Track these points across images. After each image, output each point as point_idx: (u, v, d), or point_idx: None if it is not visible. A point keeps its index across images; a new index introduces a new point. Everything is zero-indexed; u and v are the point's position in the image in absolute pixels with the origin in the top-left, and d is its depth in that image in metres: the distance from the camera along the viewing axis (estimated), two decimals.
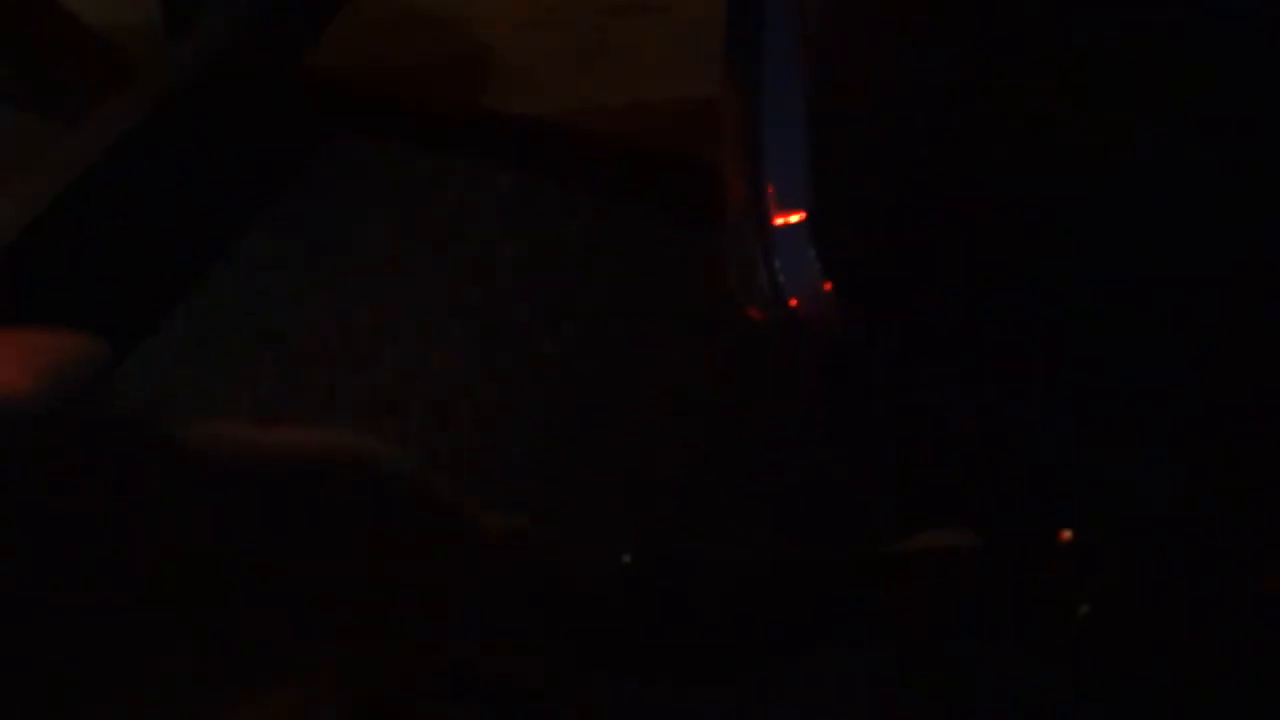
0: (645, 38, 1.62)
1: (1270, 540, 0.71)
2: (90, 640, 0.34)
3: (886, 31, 0.88)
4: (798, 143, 0.92)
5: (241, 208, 1.07)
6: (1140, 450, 0.75)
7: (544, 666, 0.49)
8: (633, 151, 1.23)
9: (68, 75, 1.22)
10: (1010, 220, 0.79)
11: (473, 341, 0.99)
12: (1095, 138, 0.73)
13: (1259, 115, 0.69)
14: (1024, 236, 0.78)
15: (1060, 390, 0.79)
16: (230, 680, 0.38)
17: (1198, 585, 0.68)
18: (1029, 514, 0.79)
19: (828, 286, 0.88)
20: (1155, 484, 0.77)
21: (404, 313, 1.02)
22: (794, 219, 0.91)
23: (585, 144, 1.25)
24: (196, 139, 1.07)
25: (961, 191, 0.80)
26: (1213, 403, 0.73)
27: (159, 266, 1.01)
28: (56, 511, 0.34)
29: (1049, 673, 0.66)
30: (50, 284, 0.97)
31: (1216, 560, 0.69)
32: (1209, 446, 0.74)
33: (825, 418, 0.92)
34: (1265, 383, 0.73)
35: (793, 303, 0.89)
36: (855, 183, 0.91)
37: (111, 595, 0.34)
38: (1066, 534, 0.72)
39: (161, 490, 0.36)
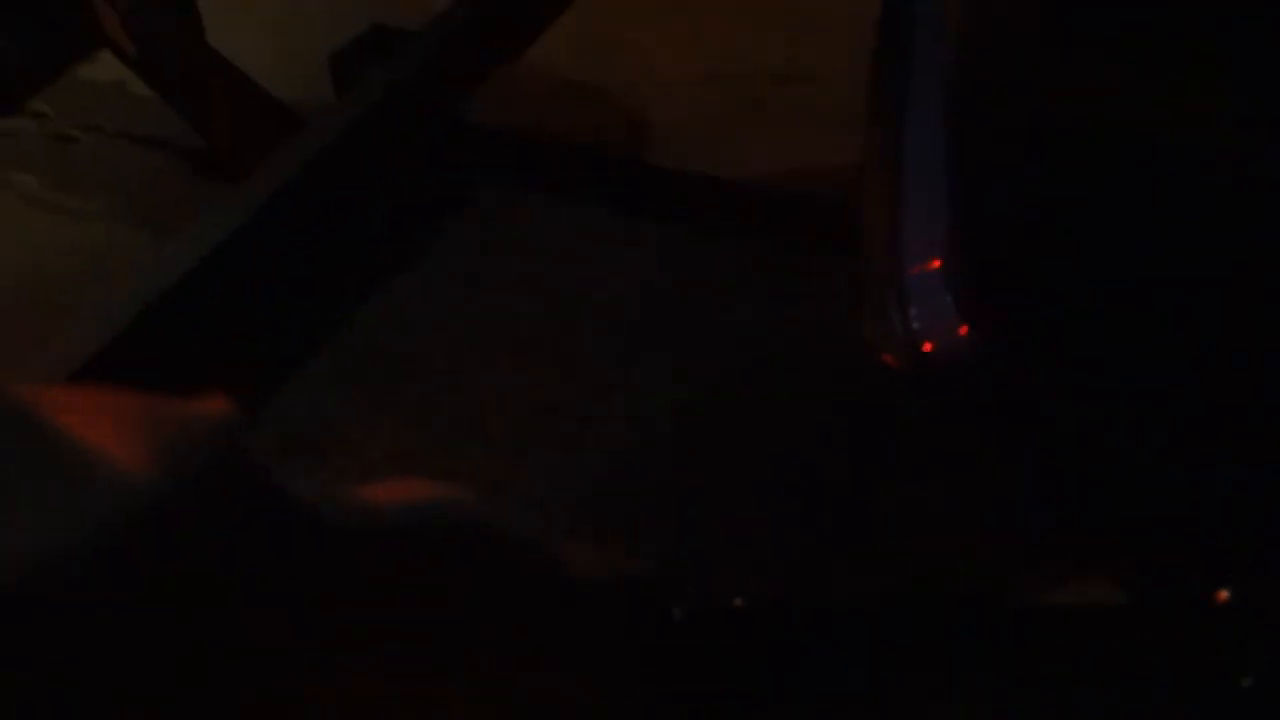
0: (802, 105, 1.64)
1: None
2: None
3: (1023, 79, 0.88)
4: (937, 194, 0.92)
5: (393, 250, 1.11)
6: None
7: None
8: (786, 209, 1.24)
9: (244, 132, 1.29)
10: (1150, 250, 0.77)
11: (607, 383, 1.00)
12: (1245, 156, 0.71)
13: None
14: (1163, 266, 0.77)
15: (1212, 421, 0.76)
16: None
17: None
18: (1184, 565, 0.77)
19: (964, 330, 0.88)
20: None
21: (544, 353, 1.04)
22: (931, 267, 0.91)
23: (738, 201, 1.27)
24: (353, 188, 1.12)
25: (1098, 222, 0.78)
26: None
27: (314, 304, 1.05)
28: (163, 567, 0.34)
29: None
30: (216, 320, 1.02)
31: None
32: None
33: (956, 458, 0.91)
34: None
35: (927, 347, 0.88)
36: (991, 229, 0.90)
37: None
38: (1223, 594, 0.69)
39: (266, 544, 0.37)
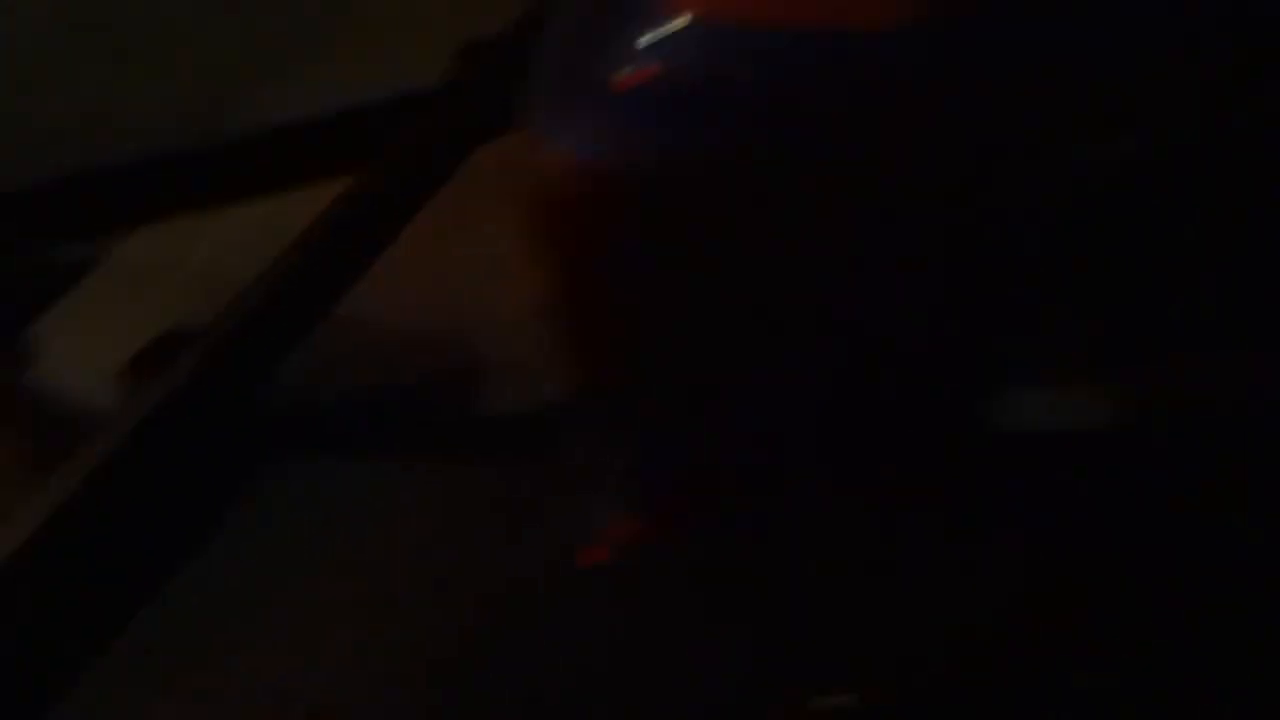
0: None
1: None
2: None
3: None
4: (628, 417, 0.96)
5: (203, 530, 1.17)
6: None
7: None
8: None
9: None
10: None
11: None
12: None
13: None
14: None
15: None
16: None
17: None
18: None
19: (637, 529, 0.91)
20: None
21: (327, 642, 1.09)
22: (613, 469, 0.95)
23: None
24: (160, 474, 1.18)
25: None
26: None
27: (122, 583, 1.11)
28: None
29: None
30: (22, 613, 1.08)
31: None
32: None
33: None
34: None
35: (602, 554, 0.92)
36: (667, 430, 0.94)
37: None
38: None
39: None
